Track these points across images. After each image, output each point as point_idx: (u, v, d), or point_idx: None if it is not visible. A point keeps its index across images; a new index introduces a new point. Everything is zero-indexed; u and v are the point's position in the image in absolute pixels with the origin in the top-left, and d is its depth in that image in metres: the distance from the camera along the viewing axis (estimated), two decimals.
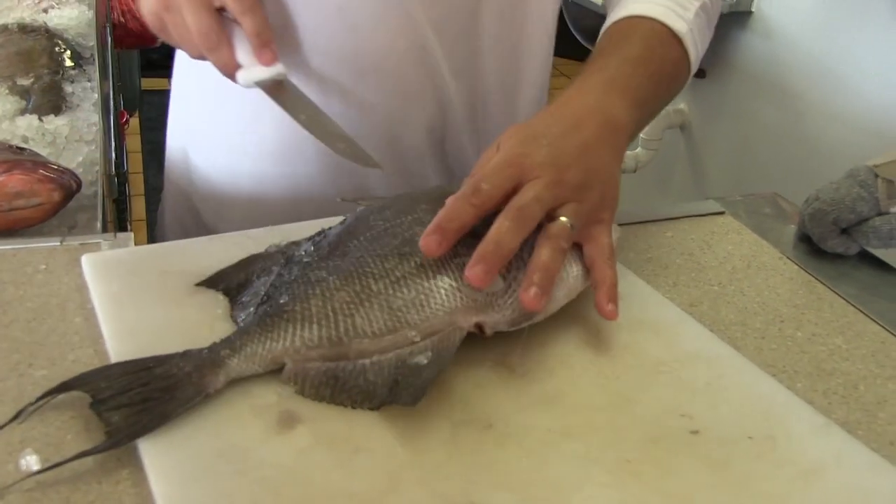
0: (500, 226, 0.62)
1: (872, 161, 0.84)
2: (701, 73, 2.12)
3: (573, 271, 0.67)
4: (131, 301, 0.66)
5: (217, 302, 0.67)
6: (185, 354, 0.58)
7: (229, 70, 0.75)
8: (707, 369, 0.64)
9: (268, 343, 0.59)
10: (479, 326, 0.62)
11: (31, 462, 0.54)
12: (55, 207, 0.87)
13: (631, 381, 0.62)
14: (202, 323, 0.64)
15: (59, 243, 0.80)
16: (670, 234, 0.87)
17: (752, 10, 2.30)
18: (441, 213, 0.63)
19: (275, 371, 0.60)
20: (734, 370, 0.64)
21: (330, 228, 0.70)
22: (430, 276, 0.62)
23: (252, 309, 0.64)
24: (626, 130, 0.74)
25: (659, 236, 0.86)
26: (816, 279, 0.80)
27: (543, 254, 0.63)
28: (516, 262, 0.63)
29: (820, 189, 0.86)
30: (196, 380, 0.56)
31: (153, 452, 0.52)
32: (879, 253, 0.86)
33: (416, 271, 0.62)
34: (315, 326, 0.60)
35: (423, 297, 0.61)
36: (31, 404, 0.55)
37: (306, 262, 0.65)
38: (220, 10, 0.75)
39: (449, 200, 0.64)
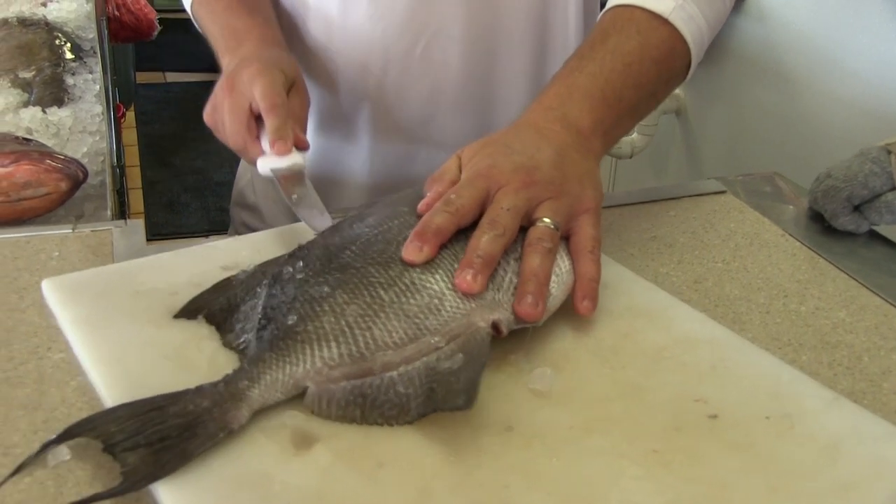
0: (478, 239, 0.63)
1: (885, 141, 0.84)
2: None
3: (565, 265, 0.66)
4: (106, 325, 0.63)
5: (198, 323, 0.64)
6: (199, 390, 0.55)
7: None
8: (709, 351, 0.64)
9: (287, 368, 0.56)
10: (496, 326, 0.61)
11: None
12: (62, 197, 0.88)
13: (637, 369, 0.62)
14: (188, 344, 0.62)
15: (70, 231, 0.80)
16: (673, 213, 0.87)
17: None
18: (419, 223, 0.64)
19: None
20: (735, 351, 0.64)
21: (308, 243, 0.68)
22: (438, 279, 0.62)
23: (251, 335, 0.61)
24: (595, 133, 0.74)
25: (662, 215, 0.87)
26: (819, 255, 0.81)
27: (531, 261, 0.64)
28: (510, 263, 0.64)
29: (831, 167, 0.87)
30: (218, 415, 0.53)
31: (168, 488, 0.50)
32: (883, 230, 0.87)
33: (423, 276, 0.62)
34: (333, 344, 0.58)
35: (436, 301, 0.60)
36: (33, 456, 0.52)
37: (301, 279, 0.63)
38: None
39: (423, 211, 0.66)
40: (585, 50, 0.79)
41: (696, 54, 0.82)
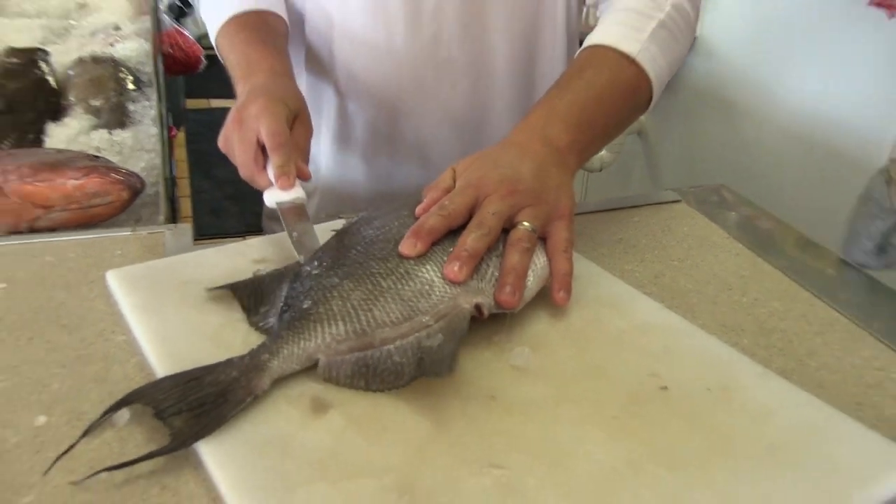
0: (466, 237, 0.63)
1: None
2: None
3: (540, 262, 0.66)
4: (158, 310, 0.64)
5: (232, 308, 0.65)
6: (229, 363, 0.56)
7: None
8: (663, 335, 0.64)
9: (301, 343, 0.57)
10: (479, 308, 0.61)
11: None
12: (124, 204, 0.88)
13: (601, 350, 0.62)
14: (225, 326, 0.62)
15: (130, 232, 0.80)
16: (637, 219, 0.87)
17: (697, 35, 2.30)
18: (416, 224, 0.64)
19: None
20: (684, 335, 0.64)
21: (324, 246, 0.69)
22: (428, 269, 0.62)
23: (273, 318, 0.62)
24: (571, 151, 0.73)
25: (627, 221, 0.87)
26: (757, 254, 0.81)
27: (511, 258, 0.64)
28: (493, 259, 0.64)
29: None
30: (245, 384, 0.54)
31: (208, 446, 0.51)
32: (810, 233, 0.87)
33: (416, 267, 0.62)
34: (340, 323, 0.58)
35: (427, 287, 0.61)
36: (97, 421, 0.53)
37: (316, 274, 0.63)
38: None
39: (420, 214, 0.66)
40: (564, 81, 0.78)
41: (657, 89, 0.82)
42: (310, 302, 0.60)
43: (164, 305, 0.64)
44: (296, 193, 0.73)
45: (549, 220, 0.68)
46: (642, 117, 0.85)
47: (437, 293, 0.61)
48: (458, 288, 0.61)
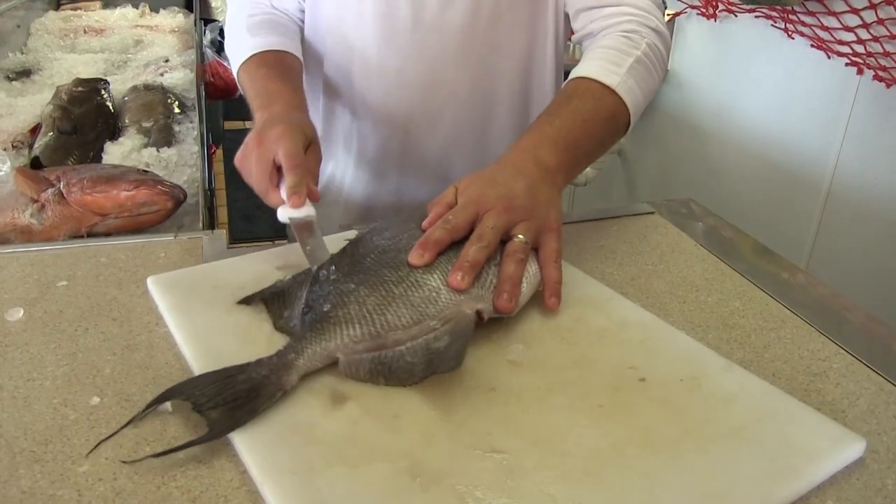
0: (468, 249, 0.63)
1: None
2: None
3: (532, 270, 0.65)
4: (192, 312, 0.63)
5: (258, 310, 0.64)
6: (259, 362, 0.55)
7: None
8: (639, 331, 0.63)
9: (323, 343, 0.56)
10: (479, 313, 0.60)
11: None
12: (169, 213, 0.88)
13: (586, 345, 0.61)
14: (251, 326, 0.61)
15: (173, 237, 0.80)
16: (616, 228, 0.87)
17: (669, 69, 2.30)
18: (423, 236, 0.64)
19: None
20: (658, 330, 0.64)
21: (340, 252, 0.67)
22: (435, 278, 0.61)
23: (296, 320, 0.60)
24: (559, 170, 0.73)
25: (608, 230, 0.86)
26: (721, 260, 0.80)
27: (508, 267, 0.63)
28: (492, 268, 0.64)
29: None
30: (274, 380, 0.53)
31: (240, 434, 0.50)
32: (765, 241, 0.86)
33: (424, 276, 0.61)
34: (357, 325, 0.57)
35: (434, 294, 0.60)
36: (140, 413, 0.52)
37: (334, 279, 0.62)
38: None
39: (427, 227, 0.65)
40: (553, 108, 0.78)
41: (634, 115, 0.81)
42: (329, 306, 0.59)
43: (197, 308, 0.64)
44: (307, 211, 0.69)
45: (540, 233, 0.67)
46: (622, 139, 0.84)
47: (444, 300, 0.60)
48: (462, 295, 0.60)
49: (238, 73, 0.91)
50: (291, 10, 1.00)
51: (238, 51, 0.91)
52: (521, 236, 0.65)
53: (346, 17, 0.95)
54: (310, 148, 0.75)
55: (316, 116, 1.04)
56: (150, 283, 0.68)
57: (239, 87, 0.92)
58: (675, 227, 0.88)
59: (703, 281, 0.76)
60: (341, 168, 1.07)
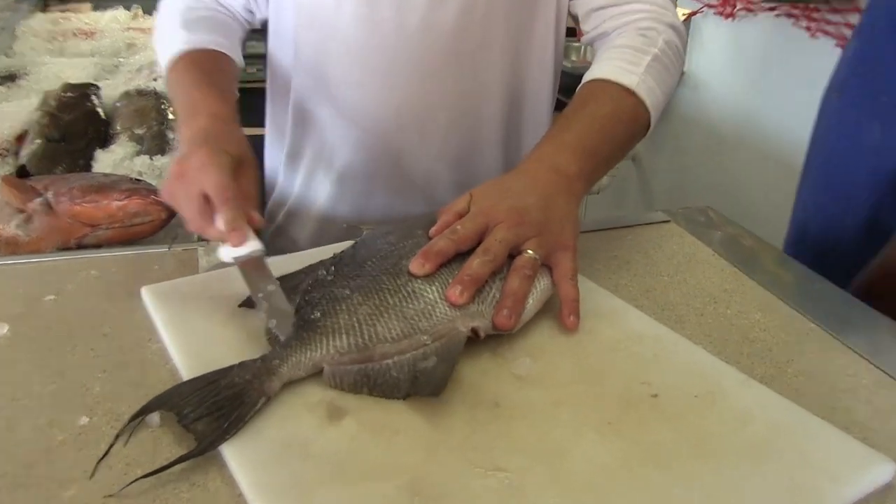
0: (471, 262, 0.62)
1: None
2: None
3: (540, 286, 0.65)
4: (187, 323, 0.63)
5: (253, 322, 0.63)
6: (242, 365, 0.55)
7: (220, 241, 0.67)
8: (653, 345, 0.63)
9: (308, 353, 0.56)
10: (475, 331, 0.60)
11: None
12: (162, 223, 0.88)
13: (597, 359, 0.61)
14: (247, 338, 0.61)
15: (167, 249, 0.80)
16: (630, 238, 0.86)
17: (685, 71, 2.31)
18: (427, 245, 0.63)
19: (318, 373, 0.57)
20: (673, 344, 0.63)
21: (343, 252, 0.67)
22: (433, 290, 0.61)
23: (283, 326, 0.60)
24: (579, 178, 0.72)
25: (621, 239, 0.86)
26: (740, 270, 0.80)
27: (512, 283, 0.63)
28: (496, 282, 0.63)
29: None
30: (257, 386, 0.53)
31: (232, 450, 0.50)
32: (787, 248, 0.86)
33: (423, 287, 0.61)
34: (344, 336, 0.57)
35: (429, 307, 0.59)
36: (124, 427, 0.52)
37: (330, 281, 0.62)
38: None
39: (434, 235, 0.65)
40: (570, 113, 0.78)
41: (654, 117, 0.81)
42: (319, 313, 0.59)
43: (192, 320, 0.64)
44: (252, 247, 0.64)
45: (553, 250, 0.67)
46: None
47: (438, 314, 0.59)
48: (458, 311, 0.60)
49: (167, 73, 0.87)
50: (237, 7, 0.97)
51: (168, 46, 0.88)
52: (530, 252, 0.65)
53: (322, 17, 0.92)
54: (241, 167, 0.68)
55: (283, 128, 1.03)
56: (145, 293, 0.68)
57: (167, 90, 0.88)
58: (692, 235, 0.88)
59: (721, 292, 0.76)
60: (316, 182, 1.03)
